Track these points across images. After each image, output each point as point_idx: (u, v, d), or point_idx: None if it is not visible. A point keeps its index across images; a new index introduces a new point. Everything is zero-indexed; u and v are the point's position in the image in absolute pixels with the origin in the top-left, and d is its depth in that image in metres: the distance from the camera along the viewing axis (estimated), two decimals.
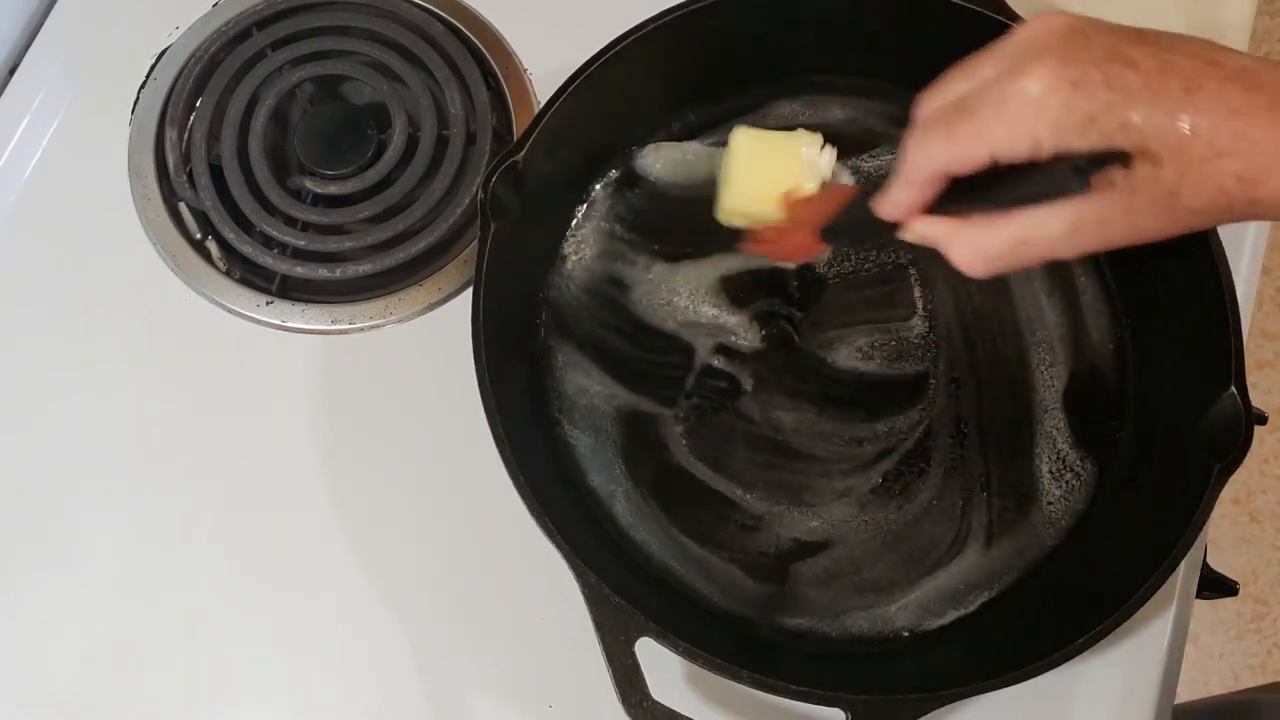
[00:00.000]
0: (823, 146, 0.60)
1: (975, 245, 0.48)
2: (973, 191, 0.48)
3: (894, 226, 0.51)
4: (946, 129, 0.46)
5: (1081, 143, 0.43)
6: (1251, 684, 1.44)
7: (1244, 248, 0.70)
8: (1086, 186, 0.44)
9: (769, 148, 0.61)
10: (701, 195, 0.64)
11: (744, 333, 0.68)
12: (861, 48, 0.71)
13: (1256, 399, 0.59)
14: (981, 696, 0.57)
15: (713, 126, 0.72)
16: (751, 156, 0.61)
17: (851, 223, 0.55)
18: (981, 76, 0.47)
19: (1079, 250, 0.47)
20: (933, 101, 0.48)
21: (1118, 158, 0.43)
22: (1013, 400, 0.67)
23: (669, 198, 0.71)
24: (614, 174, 0.71)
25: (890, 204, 0.50)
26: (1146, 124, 0.43)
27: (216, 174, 0.72)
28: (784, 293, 0.69)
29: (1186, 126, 0.42)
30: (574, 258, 0.70)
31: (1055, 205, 0.46)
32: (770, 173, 0.60)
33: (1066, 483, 0.65)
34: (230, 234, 0.71)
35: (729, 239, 0.70)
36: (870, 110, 0.73)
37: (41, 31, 0.77)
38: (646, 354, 0.68)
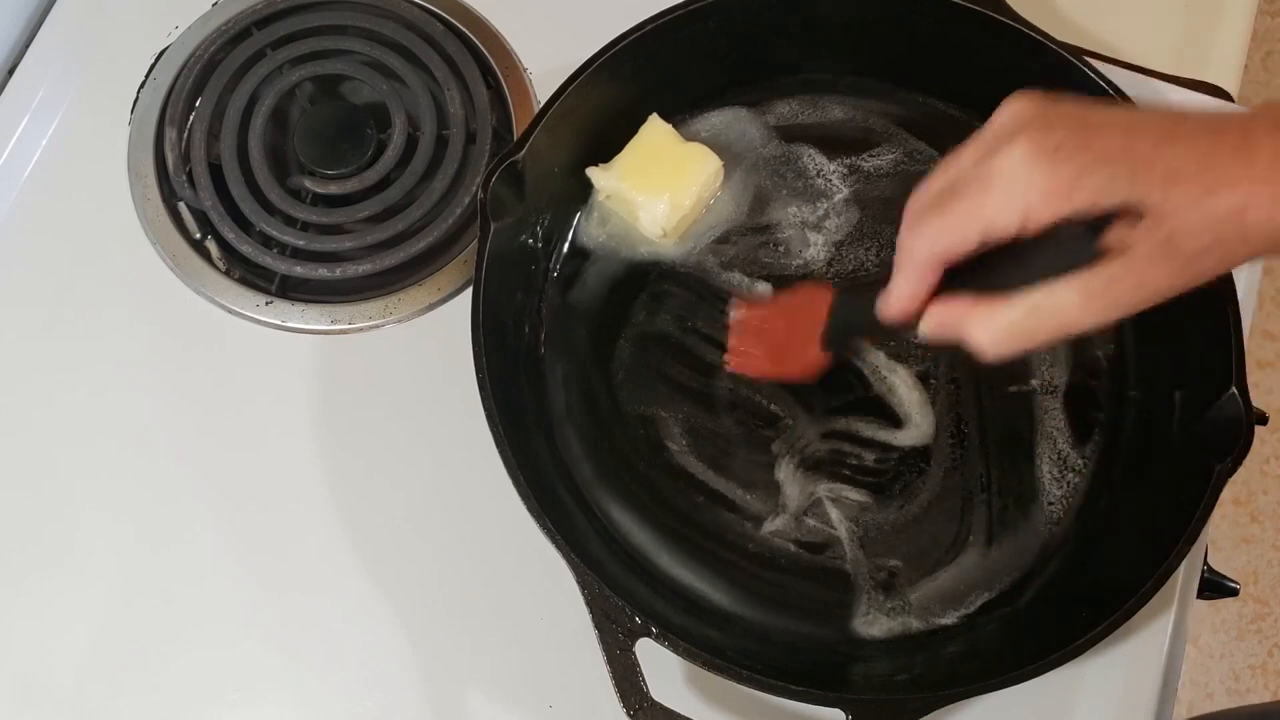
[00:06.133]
0: (716, 172, 0.69)
1: (990, 321, 0.48)
2: (980, 278, 0.48)
3: (901, 326, 0.51)
4: (937, 212, 0.48)
5: (1070, 206, 0.44)
6: (1252, 684, 1.44)
7: None
8: (1094, 253, 0.45)
9: (670, 146, 0.68)
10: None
11: None
12: (861, 48, 0.71)
13: (1257, 399, 0.59)
14: (981, 696, 0.57)
15: None
16: (651, 146, 0.68)
17: (851, 323, 0.55)
18: (964, 163, 0.48)
19: (1096, 318, 0.47)
20: (921, 194, 0.49)
21: (1110, 219, 0.44)
22: (1013, 400, 0.67)
23: None
24: None
25: (895, 298, 0.51)
26: (1128, 177, 0.44)
27: (216, 174, 0.72)
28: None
29: (1165, 173, 0.44)
30: (574, 257, 0.70)
31: (1064, 277, 0.46)
32: (656, 169, 0.68)
33: (1067, 483, 0.65)
34: (230, 234, 0.71)
35: (730, 242, 0.70)
36: (870, 110, 0.73)
37: (41, 31, 0.77)
38: (646, 353, 0.68)
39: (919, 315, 0.51)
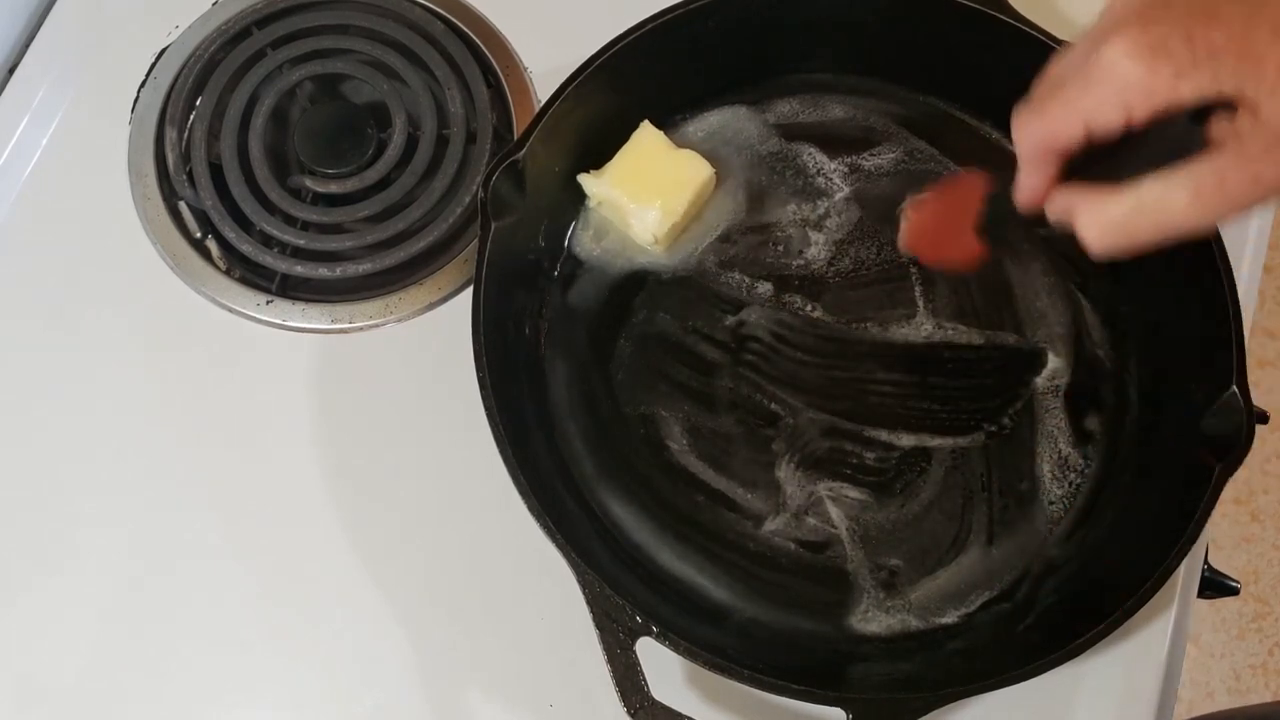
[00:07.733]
0: (709, 177, 0.68)
1: (1096, 214, 0.48)
2: (1097, 169, 0.48)
3: (1039, 216, 0.51)
4: (1039, 106, 0.48)
5: (1168, 101, 0.43)
6: (1252, 683, 1.44)
7: (1246, 246, 0.70)
8: (1201, 142, 0.44)
9: (662, 153, 0.68)
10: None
11: (744, 333, 0.68)
12: (861, 47, 0.71)
13: (1258, 398, 0.59)
14: (982, 696, 0.57)
15: None
16: (643, 153, 0.68)
17: (999, 212, 0.55)
18: (1073, 57, 0.47)
19: (1205, 216, 0.46)
20: (1037, 89, 0.49)
21: (1220, 106, 0.43)
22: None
23: None
24: None
25: (1019, 188, 0.51)
26: (1236, 72, 0.43)
27: (216, 173, 0.72)
28: (785, 293, 0.69)
29: (1277, 68, 0.42)
30: (575, 256, 0.70)
31: (1172, 172, 0.45)
32: (648, 176, 0.67)
33: (1068, 482, 0.65)
34: (230, 233, 0.71)
35: (731, 241, 0.70)
36: (870, 109, 0.73)
37: (41, 31, 0.77)
38: (646, 353, 0.68)
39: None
